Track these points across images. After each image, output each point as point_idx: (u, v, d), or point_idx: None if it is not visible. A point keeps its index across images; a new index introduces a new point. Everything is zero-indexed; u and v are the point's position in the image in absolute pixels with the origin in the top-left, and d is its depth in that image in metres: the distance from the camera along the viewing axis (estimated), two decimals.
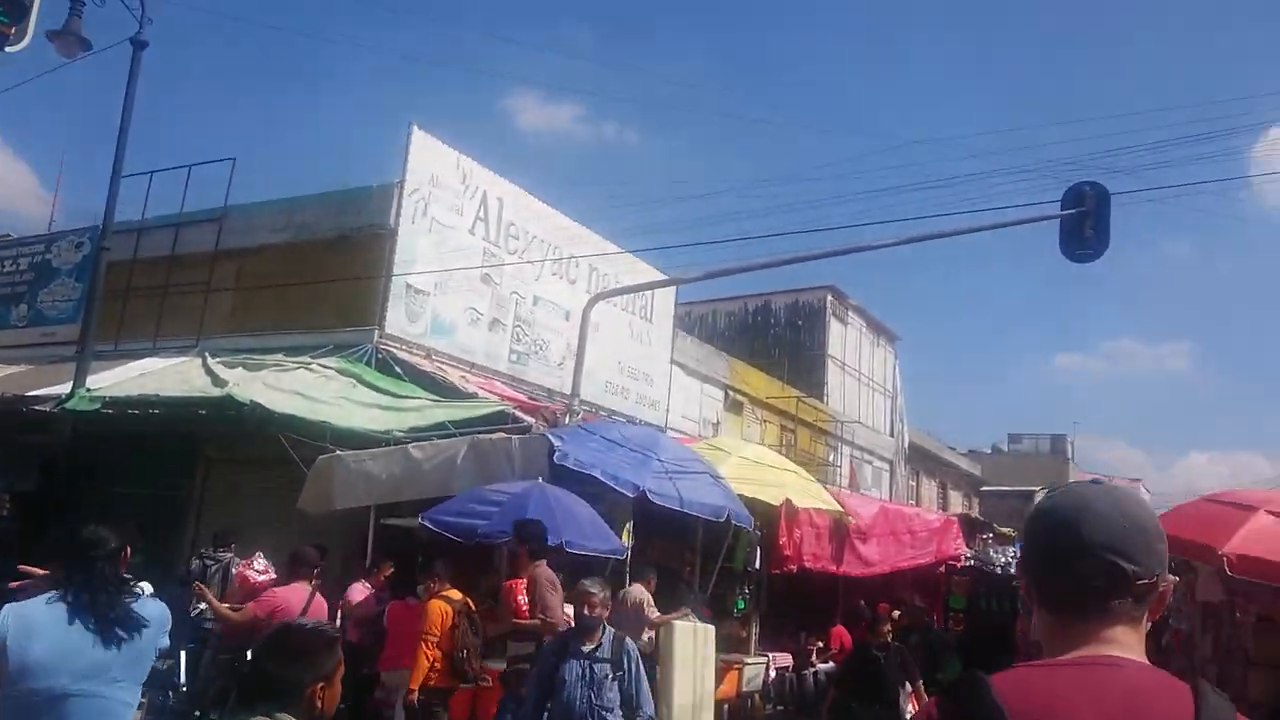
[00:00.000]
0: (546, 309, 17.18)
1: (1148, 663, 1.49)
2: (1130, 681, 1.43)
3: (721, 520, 8.77)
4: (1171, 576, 1.56)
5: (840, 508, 11.33)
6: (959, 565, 14.22)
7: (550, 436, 8.61)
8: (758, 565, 11.66)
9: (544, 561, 7.15)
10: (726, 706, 11.00)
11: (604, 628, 5.74)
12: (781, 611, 13.38)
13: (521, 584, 7.13)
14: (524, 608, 7.12)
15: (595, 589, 5.68)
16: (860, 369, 31.34)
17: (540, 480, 8.07)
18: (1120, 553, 1.50)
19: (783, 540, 11.75)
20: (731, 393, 22.99)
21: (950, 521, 16.65)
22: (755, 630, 11.88)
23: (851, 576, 13.51)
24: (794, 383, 26.58)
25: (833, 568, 12.62)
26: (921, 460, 35.81)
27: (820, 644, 14.18)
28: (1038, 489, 51.03)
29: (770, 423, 24.46)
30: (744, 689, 11.39)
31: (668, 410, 20.23)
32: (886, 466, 31.76)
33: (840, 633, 14.51)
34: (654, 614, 9.91)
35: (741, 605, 11.48)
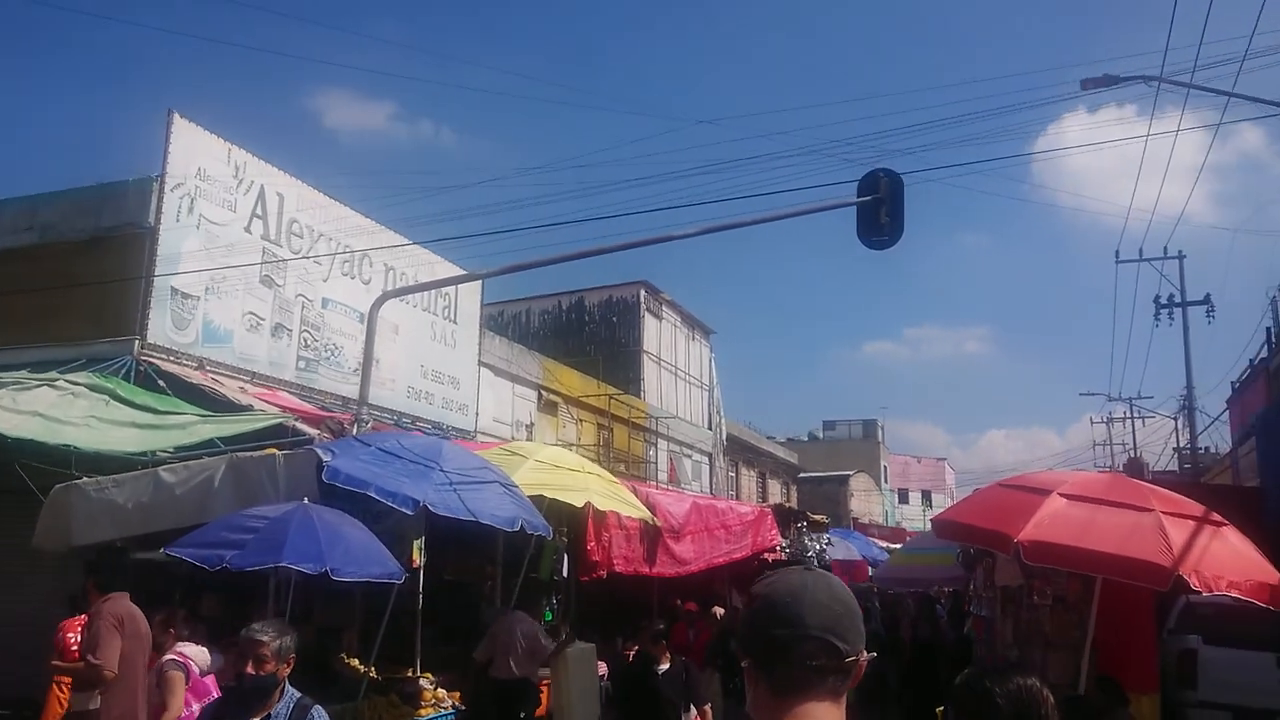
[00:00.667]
0: (338, 312, 16.02)
1: None
2: None
3: (516, 530, 8.10)
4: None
5: (644, 509, 10.87)
6: (770, 559, 14.05)
7: (318, 450, 7.69)
8: (565, 573, 11.07)
9: (117, 596, 6.15)
10: None
11: (284, 689, 4.17)
12: (594, 619, 12.85)
13: (77, 622, 6.18)
14: (74, 647, 6.13)
15: (267, 636, 4.13)
16: (676, 364, 31.36)
17: (306, 501, 7.17)
18: (836, 633, 1.64)
19: (590, 545, 11.20)
20: (545, 393, 22.36)
21: (764, 512, 16.58)
22: (565, 634, 11.25)
23: (666, 577, 13.13)
24: (610, 380, 26.22)
25: (645, 569, 12.18)
26: (740, 451, 36.27)
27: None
28: (851, 473, 53.11)
29: (586, 421, 23.98)
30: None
31: (477, 414, 19.39)
32: (706, 459, 31.92)
33: (682, 630, 14.18)
34: (549, 643, 9.16)
35: (549, 616, 10.86)
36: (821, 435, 67.47)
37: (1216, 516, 6.44)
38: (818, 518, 20.06)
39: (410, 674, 9.26)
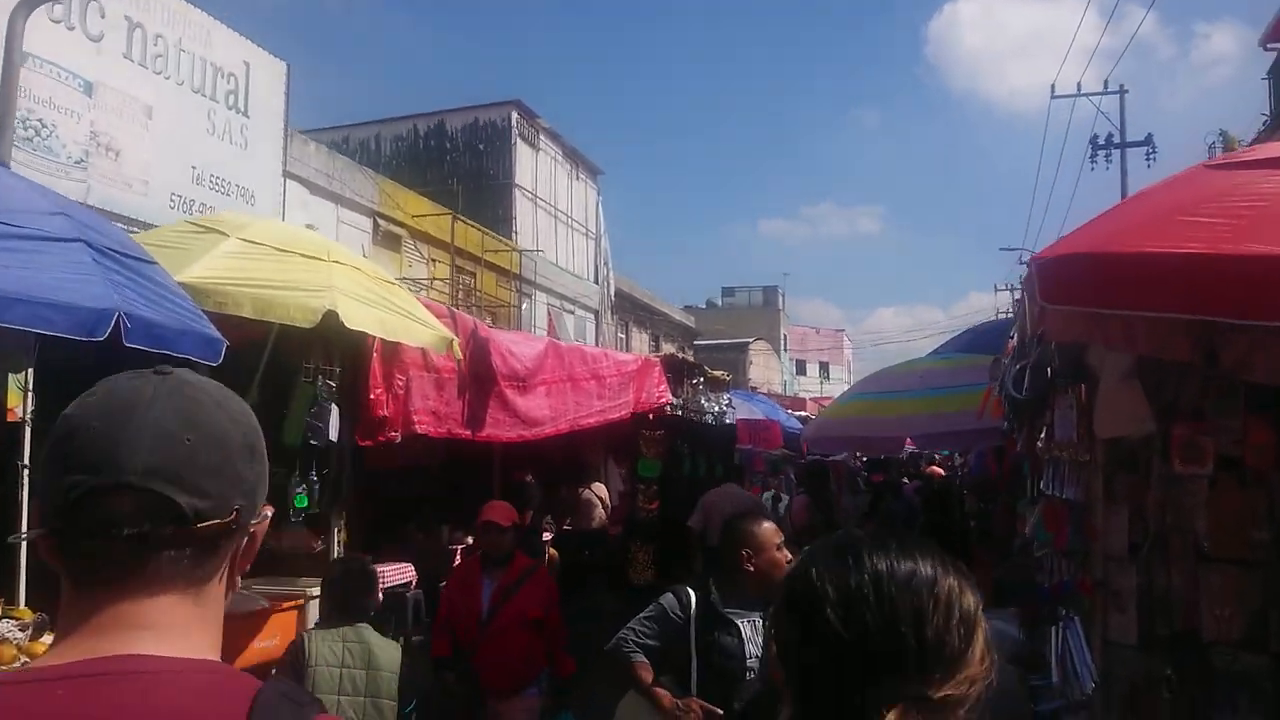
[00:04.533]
0: (49, 75, 11.23)
1: (207, 659, 0.98)
2: (152, 705, 0.89)
3: (99, 339, 4.05)
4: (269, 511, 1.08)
5: (440, 328, 6.79)
6: (652, 417, 10.29)
7: None
8: (334, 435, 7.05)
9: None
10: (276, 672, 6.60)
11: None
12: (390, 504, 9.03)
13: None
14: None
15: None
16: (556, 204, 27.02)
17: None
18: (178, 480, 0.97)
19: (376, 393, 7.21)
20: (383, 221, 17.90)
21: (650, 363, 12.78)
22: (339, 537, 7.34)
23: (510, 442, 9.30)
24: (475, 218, 21.82)
25: (466, 430, 8.27)
26: (631, 310, 32.52)
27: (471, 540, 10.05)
28: (751, 340, 50.25)
29: (440, 261, 19.64)
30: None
31: None
32: (591, 317, 28.04)
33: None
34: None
35: (303, 501, 6.88)
36: (720, 303, 64.47)
37: None
38: (717, 374, 16.45)
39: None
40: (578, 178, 28.65)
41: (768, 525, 3.66)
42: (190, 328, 4.29)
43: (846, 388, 68.86)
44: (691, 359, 30.97)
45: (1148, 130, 28.60)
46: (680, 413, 11.19)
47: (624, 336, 31.07)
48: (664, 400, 12.42)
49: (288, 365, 6.96)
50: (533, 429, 9.48)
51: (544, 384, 9.77)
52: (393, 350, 7.37)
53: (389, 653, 4.39)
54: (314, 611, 6.64)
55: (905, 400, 6.84)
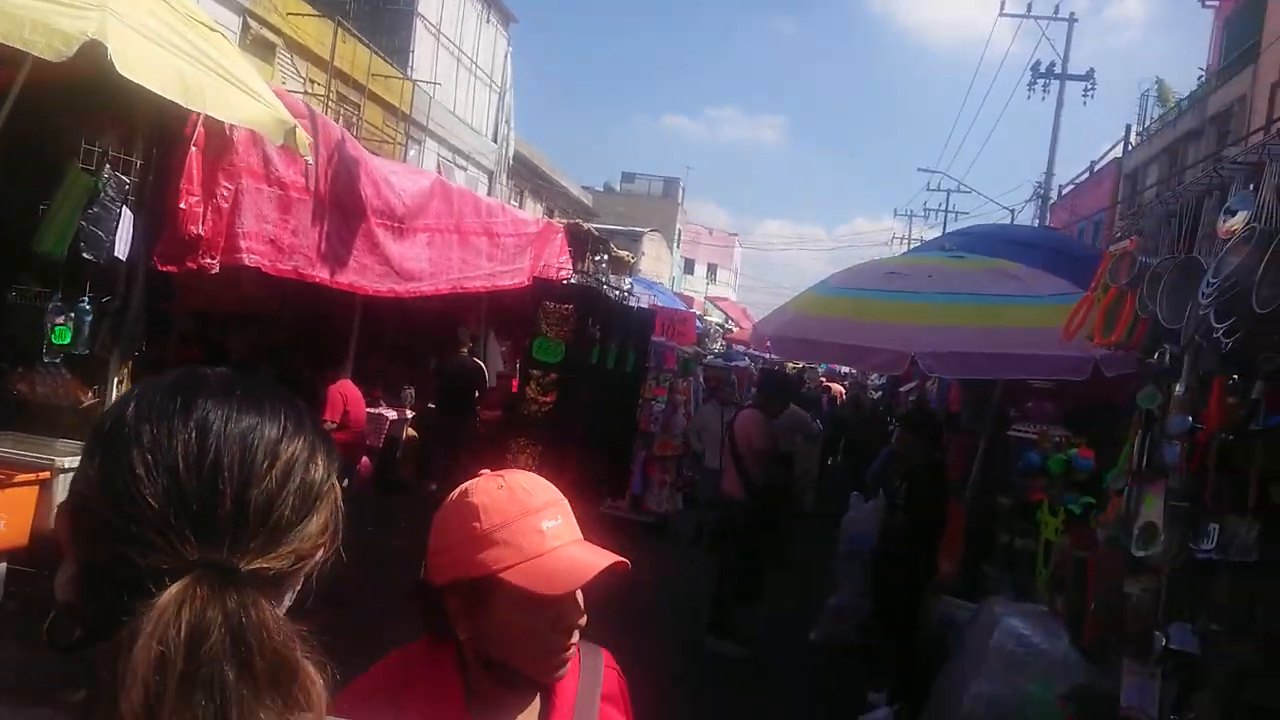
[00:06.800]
0: None
1: None
2: None
3: None
4: None
5: (283, 112, 4.79)
6: (557, 284, 8.43)
7: None
8: (122, 251, 5.05)
9: None
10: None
11: None
12: (215, 360, 7.11)
13: None
14: None
15: None
16: (461, 46, 24.27)
17: None
18: None
19: (190, 201, 5.23)
20: (255, 24, 15.18)
21: (553, 228, 10.96)
22: (117, 392, 5.38)
23: (374, 296, 7.41)
24: (371, 41, 19.09)
25: (318, 275, 6.33)
26: (528, 178, 30.24)
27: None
28: (647, 230, 48.41)
29: (318, 83, 16.99)
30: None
31: None
32: (485, 177, 25.67)
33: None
34: None
35: (64, 336, 4.90)
36: (618, 189, 62.20)
37: None
38: (623, 254, 14.72)
39: None
40: (488, 20, 25.82)
41: None
42: None
43: (731, 292, 67.77)
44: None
45: (1089, 66, 27.20)
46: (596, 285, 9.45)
47: (517, 203, 28.85)
48: (563, 274, 10.68)
49: (55, 138, 4.89)
50: (407, 283, 7.60)
51: (426, 230, 7.86)
52: (220, 146, 5.36)
53: None
54: (65, 487, 4.76)
55: (918, 305, 5.23)
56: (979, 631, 4.21)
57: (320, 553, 0.92)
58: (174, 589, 0.78)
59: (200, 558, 0.81)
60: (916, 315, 5.12)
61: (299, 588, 0.92)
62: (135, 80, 3.43)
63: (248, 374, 1.00)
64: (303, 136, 4.53)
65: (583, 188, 45.49)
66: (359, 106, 18.42)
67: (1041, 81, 25.77)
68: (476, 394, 10.27)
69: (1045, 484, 6.10)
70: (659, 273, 49.27)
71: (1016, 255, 6.03)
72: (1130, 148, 23.96)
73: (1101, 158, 25.57)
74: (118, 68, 3.33)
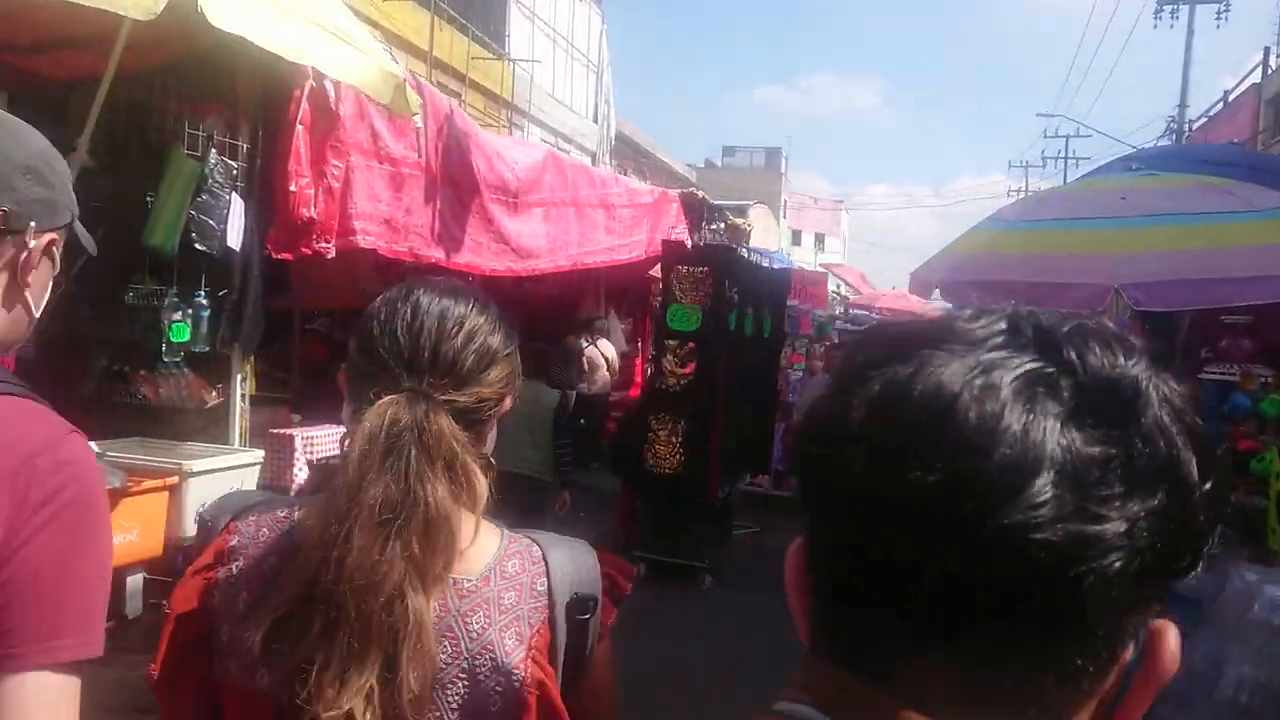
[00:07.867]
0: None
1: None
2: None
3: None
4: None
5: (393, 68, 4.41)
6: (683, 252, 7.89)
7: None
8: (235, 240, 4.78)
9: None
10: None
11: None
12: (339, 347, 6.88)
13: None
14: None
15: None
16: (557, 28, 23.96)
17: None
18: None
19: (300, 183, 4.93)
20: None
21: (668, 197, 10.51)
22: (241, 390, 5.12)
23: (490, 276, 7.02)
24: (465, 32, 18.92)
25: (434, 256, 6.00)
26: (631, 157, 29.81)
27: None
28: (753, 203, 47.55)
29: (418, 74, 16.80)
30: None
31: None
32: (588, 159, 25.32)
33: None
34: None
35: (183, 333, 4.65)
36: (720, 163, 61.40)
37: None
38: (739, 221, 14.18)
39: None
40: (582, 0, 25.46)
41: None
42: None
43: (841, 259, 66.25)
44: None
45: None
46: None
47: None
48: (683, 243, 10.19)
49: (157, 125, 4.63)
50: (525, 261, 7.23)
51: (541, 204, 7.47)
52: (327, 123, 5.03)
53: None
54: (195, 493, 4.51)
55: (1114, 231, 4.54)
56: (1232, 603, 3.56)
57: (503, 399, 1.26)
58: (386, 399, 1.15)
59: (407, 386, 1.17)
60: (1114, 243, 4.41)
61: (494, 417, 1.27)
62: (226, 29, 3.08)
63: (457, 283, 1.35)
64: (412, 96, 4.15)
65: (685, 165, 44.90)
66: (460, 95, 18.24)
67: (1169, 8, 23.96)
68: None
69: (1255, 429, 5.37)
70: (767, 245, 48.39)
71: (1213, 174, 5.25)
72: (1270, 71, 22.03)
73: (1236, 84, 23.66)
74: (208, 17, 2.98)
